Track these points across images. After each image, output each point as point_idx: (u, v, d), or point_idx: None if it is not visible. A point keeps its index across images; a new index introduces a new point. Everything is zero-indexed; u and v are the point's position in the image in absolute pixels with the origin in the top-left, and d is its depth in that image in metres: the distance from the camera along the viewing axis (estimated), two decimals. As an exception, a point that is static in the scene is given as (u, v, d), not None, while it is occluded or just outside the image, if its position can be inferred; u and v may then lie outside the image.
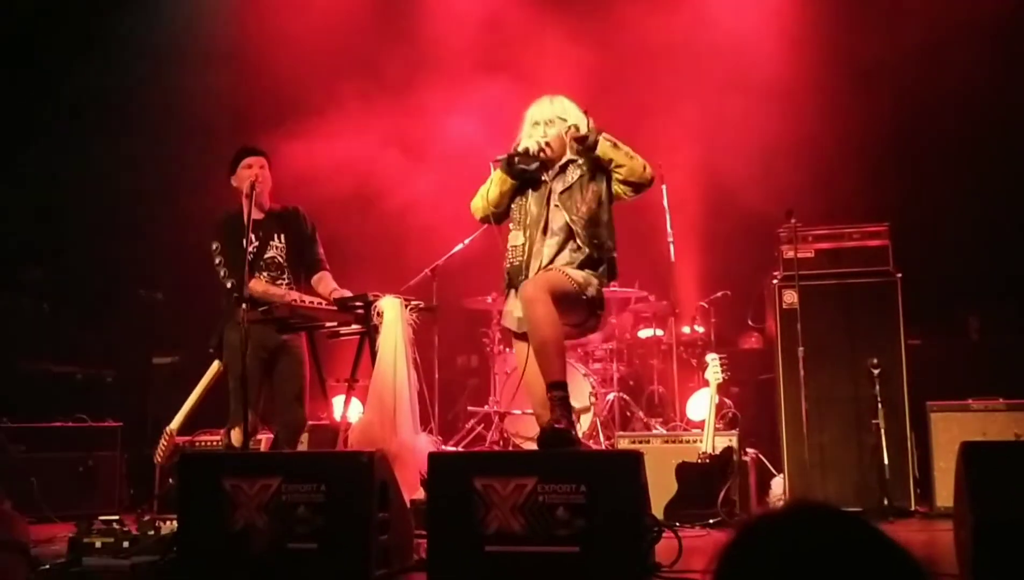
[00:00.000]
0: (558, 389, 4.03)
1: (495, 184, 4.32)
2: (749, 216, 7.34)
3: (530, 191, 4.32)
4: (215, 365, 5.63)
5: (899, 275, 6.00)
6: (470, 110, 7.69)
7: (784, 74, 7.67)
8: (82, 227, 7.98)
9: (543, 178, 4.29)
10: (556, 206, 4.22)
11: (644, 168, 4.20)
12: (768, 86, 7.72)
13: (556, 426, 3.97)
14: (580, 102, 4.37)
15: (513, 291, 4.31)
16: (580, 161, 4.24)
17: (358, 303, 5.25)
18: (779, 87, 7.68)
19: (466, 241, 6.48)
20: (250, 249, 5.07)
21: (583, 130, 4.19)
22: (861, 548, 1.07)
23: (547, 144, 4.21)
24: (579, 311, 4.19)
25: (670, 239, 6.80)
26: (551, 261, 4.22)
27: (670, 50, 7.85)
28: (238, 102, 7.90)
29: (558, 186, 4.24)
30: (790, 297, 6.04)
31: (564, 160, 4.28)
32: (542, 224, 4.23)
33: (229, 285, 5.14)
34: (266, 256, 5.29)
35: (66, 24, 7.98)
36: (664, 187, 6.83)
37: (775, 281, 6.16)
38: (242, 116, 7.76)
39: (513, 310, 4.32)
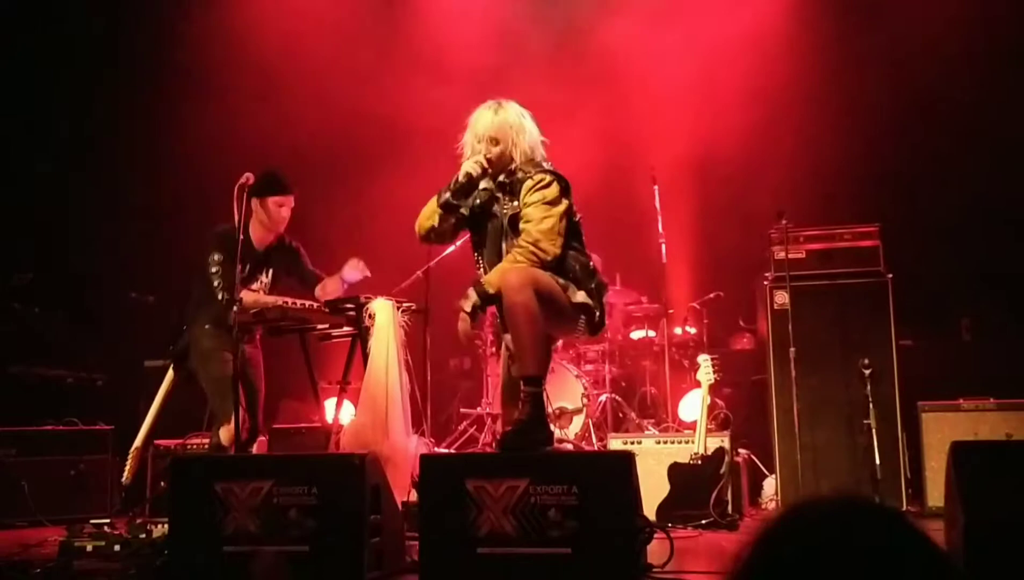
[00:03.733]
0: (530, 384, 3.88)
1: (427, 217, 4.23)
2: (740, 217, 7.36)
3: (487, 222, 4.17)
4: (168, 376, 5.65)
5: (890, 276, 6.02)
6: (465, 110, 7.68)
7: (776, 75, 7.70)
8: (73, 231, 7.96)
9: (493, 210, 4.13)
10: (510, 236, 4.08)
11: (527, 262, 3.95)
12: (760, 87, 7.75)
13: (520, 420, 3.82)
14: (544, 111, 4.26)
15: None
16: (519, 180, 4.05)
17: (349, 305, 5.25)
18: (771, 88, 7.71)
19: (458, 243, 6.46)
20: (240, 275, 5.08)
21: (517, 158, 4.04)
22: (904, 545, 1.06)
23: (488, 162, 4.08)
24: (564, 314, 4.04)
25: (662, 240, 6.80)
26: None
27: (663, 50, 7.87)
28: (229, 105, 7.88)
29: (508, 211, 4.09)
30: (781, 298, 6.05)
31: (507, 175, 4.11)
32: (499, 252, 4.11)
33: (220, 296, 5.16)
34: (251, 287, 5.32)
35: (64, 30, 7.97)
36: (656, 188, 6.85)
37: (767, 282, 6.17)
38: (234, 115, 7.73)
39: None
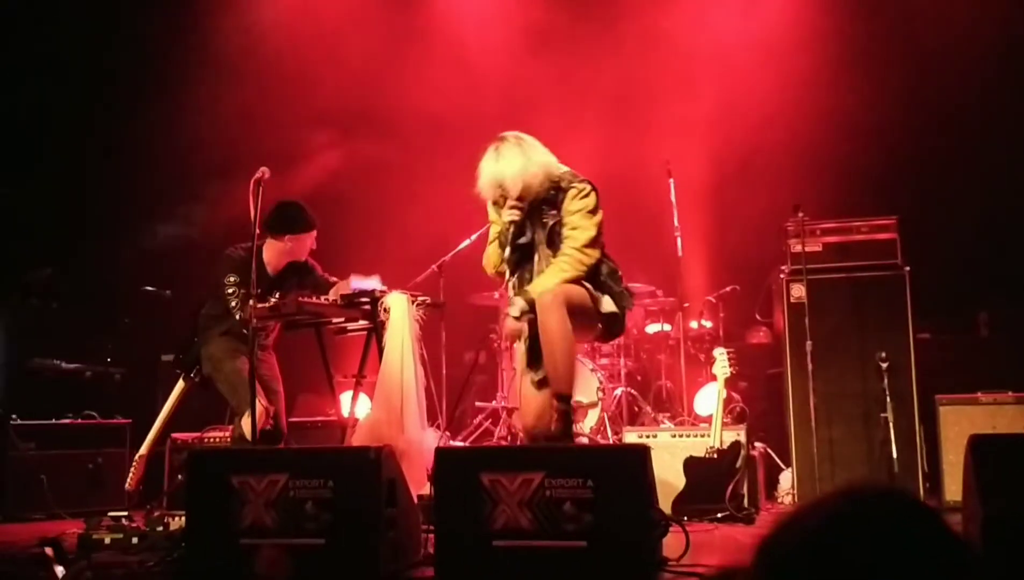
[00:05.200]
0: (562, 402, 4.16)
1: (494, 263, 4.50)
2: (757, 210, 7.32)
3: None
4: (179, 385, 5.70)
5: (908, 269, 5.98)
6: (475, 105, 7.68)
7: (793, 67, 7.65)
8: (90, 226, 8.00)
9: (525, 233, 4.41)
10: (547, 253, 4.37)
11: (574, 271, 4.28)
12: (777, 79, 7.70)
13: (553, 437, 4.10)
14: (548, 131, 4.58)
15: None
16: (554, 194, 4.35)
17: (365, 299, 5.26)
18: (788, 80, 7.66)
19: (473, 237, 6.46)
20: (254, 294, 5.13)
21: (536, 183, 4.29)
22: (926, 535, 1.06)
23: (520, 202, 4.33)
24: (590, 323, 4.33)
25: (677, 234, 6.78)
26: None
27: (678, 43, 7.84)
28: (240, 104, 7.90)
29: (540, 237, 4.39)
30: (798, 291, 6.02)
31: (540, 200, 4.38)
32: (530, 276, 4.39)
33: (238, 316, 5.27)
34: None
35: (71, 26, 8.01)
36: (671, 181, 6.82)
37: (783, 275, 6.14)
38: (246, 116, 7.76)
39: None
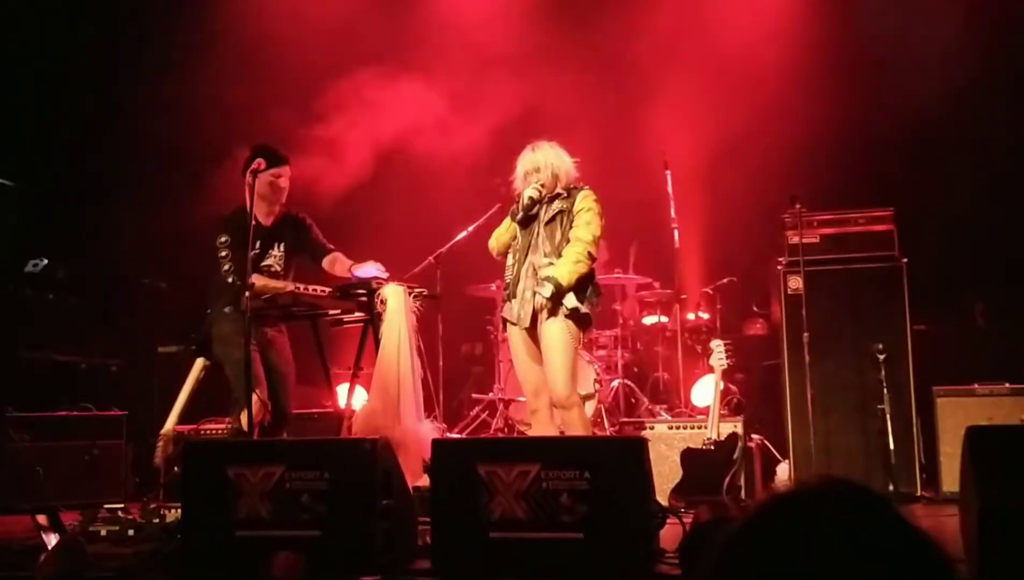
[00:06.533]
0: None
1: (507, 232, 5.15)
2: (753, 202, 7.31)
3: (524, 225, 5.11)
4: (198, 363, 5.65)
5: (904, 260, 5.97)
6: (474, 98, 7.66)
7: (789, 59, 7.63)
8: (88, 216, 7.98)
9: (535, 209, 5.06)
10: (544, 232, 4.99)
11: (586, 260, 4.92)
12: (773, 71, 7.68)
13: None
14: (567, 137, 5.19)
15: (513, 299, 5.03)
16: (564, 195, 5.03)
17: (361, 291, 5.25)
18: (784, 72, 7.64)
19: (470, 229, 6.46)
20: (251, 254, 5.07)
21: (562, 179, 5.04)
22: (884, 530, 1.06)
23: (542, 186, 5.02)
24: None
25: (674, 225, 6.77)
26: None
27: (675, 36, 7.82)
28: (241, 92, 7.87)
29: (544, 216, 5.02)
30: (795, 283, 6.01)
31: (550, 196, 5.05)
32: (527, 249, 5.02)
33: (231, 280, 5.16)
34: (263, 263, 5.32)
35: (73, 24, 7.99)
36: (668, 173, 6.81)
37: (780, 267, 6.13)
38: (246, 106, 7.73)
39: (512, 306, 5.02)
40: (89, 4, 8.07)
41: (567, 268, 4.84)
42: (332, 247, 5.56)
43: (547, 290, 4.81)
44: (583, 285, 4.91)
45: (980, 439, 3.53)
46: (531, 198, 4.98)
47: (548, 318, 4.87)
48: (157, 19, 8.11)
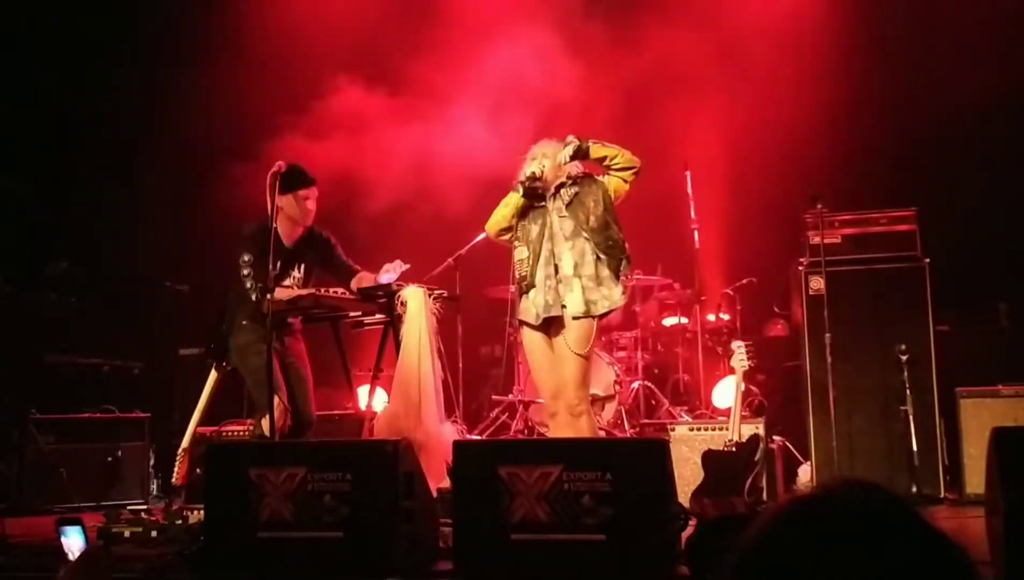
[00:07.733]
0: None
1: (510, 205, 5.03)
2: (774, 202, 7.28)
3: (529, 215, 5.03)
4: (212, 376, 5.64)
5: (927, 261, 5.92)
6: (491, 100, 7.66)
7: (811, 58, 7.59)
8: (107, 220, 8.03)
9: (542, 204, 5.01)
10: (563, 217, 4.93)
11: (631, 155, 4.96)
12: (794, 70, 7.64)
13: None
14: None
15: (526, 295, 4.97)
16: (569, 183, 4.98)
17: (381, 293, 5.26)
18: (806, 71, 7.60)
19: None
20: (272, 273, 5.05)
21: (566, 158, 4.98)
22: (904, 535, 1.06)
23: (543, 169, 4.97)
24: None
25: (694, 226, 6.75)
26: (575, 273, 4.87)
27: (696, 34, 7.79)
28: (257, 96, 7.91)
29: (558, 204, 4.96)
30: (817, 283, 5.98)
31: (557, 184, 4.99)
32: (542, 240, 4.93)
33: (254, 297, 5.15)
34: (283, 283, 5.29)
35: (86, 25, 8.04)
36: (688, 174, 6.79)
37: (801, 267, 6.10)
38: (261, 111, 7.76)
39: (529, 307, 4.93)
40: (111, 4, 8.13)
41: (613, 151, 4.92)
42: (358, 267, 5.51)
43: (570, 150, 4.90)
44: (616, 255, 4.88)
45: (1007, 440, 3.50)
46: (533, 173, 4.94)
47: (571, 315, 4.81)
48: (177, 13, 8.14)
